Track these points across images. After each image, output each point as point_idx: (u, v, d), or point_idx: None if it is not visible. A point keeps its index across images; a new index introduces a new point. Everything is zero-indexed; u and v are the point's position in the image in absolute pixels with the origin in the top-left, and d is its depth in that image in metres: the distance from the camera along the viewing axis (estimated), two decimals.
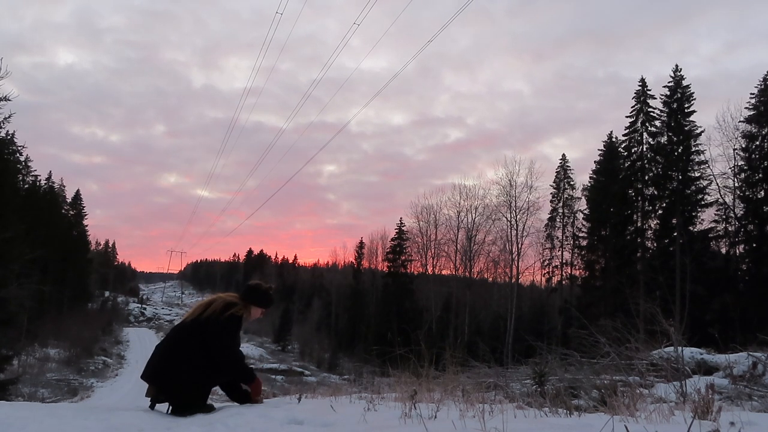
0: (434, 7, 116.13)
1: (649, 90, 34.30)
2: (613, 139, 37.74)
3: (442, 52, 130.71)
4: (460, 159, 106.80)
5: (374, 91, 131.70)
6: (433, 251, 51.40)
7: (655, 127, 33.63)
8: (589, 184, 40.02)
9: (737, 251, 31.28)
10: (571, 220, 45.34)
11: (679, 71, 32.64)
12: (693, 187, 31.53)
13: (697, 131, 31.69)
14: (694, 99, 32.21)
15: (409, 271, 53.15)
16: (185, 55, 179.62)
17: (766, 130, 29.56)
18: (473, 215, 46.43)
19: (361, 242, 62.98)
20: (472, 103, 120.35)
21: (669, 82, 32.78)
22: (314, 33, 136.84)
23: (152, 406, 3.79)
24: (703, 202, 31.59)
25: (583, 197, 42.62)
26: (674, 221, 31.12)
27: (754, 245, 29.57)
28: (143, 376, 3.85)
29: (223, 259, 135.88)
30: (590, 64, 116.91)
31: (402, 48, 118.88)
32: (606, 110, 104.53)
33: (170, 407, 3.75)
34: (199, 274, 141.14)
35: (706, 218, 31.86)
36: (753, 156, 29.85)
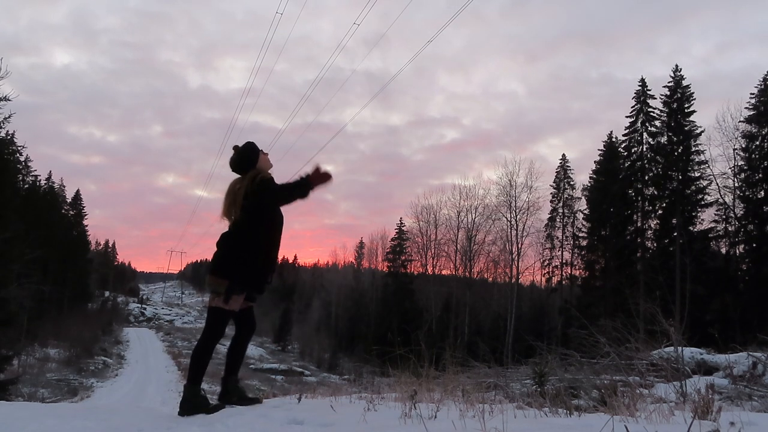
0: (427, 9, 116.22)
1: (649, 90, 34.36)
2: (613, 139, 37.77)
3: (436, 53, 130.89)
4: (457, 159, 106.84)
5: (369, 92, 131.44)
6: (433, 251, 51.46)
7: (655, 127, 33.65)
8: (589, 184, 40.04)
9: (737, 251, 31.28)
10: (571, 220, 45.35)
11: (679, 71, 32.68)
12: (693, 187, 31.53)
13: (697, 131, 31.72)
14: (694, 99, 32.28)
15: (409, 271, 53.17)
16: (181, 56, 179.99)
17: (766, 130, 29.57)
18: (473, 215, 46.51)
19: (361, 242, 63.21)
20: (468, 103, 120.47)
21: (669, 82, 32.83)
22: (308, 34, 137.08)
23: (226, 300, 3.73)
24: (703, 202, 31.59)
25: (583, 197, 42.67)
26: (674, 221, 31.11)
27: (754, 245, 29.57)
28: (212, 272, 3.83)
29: None
30: (583, 65, 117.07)
31: (396, 48, 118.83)
32: (600, 111, 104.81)
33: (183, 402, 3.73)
34: (199, 274, 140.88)
35: (706, 218, 31.90)
36: (753, 156, 29.85)
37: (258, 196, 3.72)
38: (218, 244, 3.91)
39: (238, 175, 3.95)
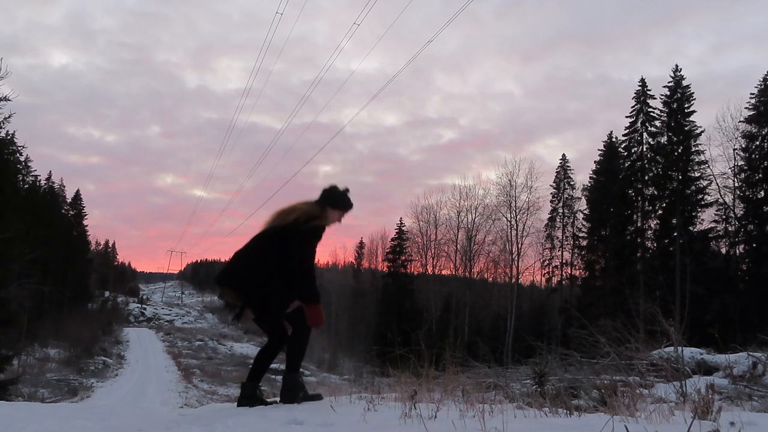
0: (422, 9, 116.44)
1: (649, 90, 34.36)
2: (613, 139, 37.77)
3: (432, 54, 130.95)
4: (455, 159, 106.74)
5: (366, 92, 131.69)
6: (433, 251, 51.45)
7: (655, 127, 33.65)
8: (589, 184, 40.04)
9: (737, 251, 31.29)
10: (571, 220, 45.34)
11: (679, 71, 32.67)
12: (693, 187, 31.51)
13: (697, 131, 31.71)
14: (694, 99, 32.28)
15: (409, 271, 53.13)
16: (178, 56, 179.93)
17: (766, 130, 29.57)
18: (473, 215, 46.47)
19: (361, 242, 63.15)
20: (464, 104, 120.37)
21: (669, 82, 32.82)
22: (305, 35, 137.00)
23: (238, 317, 3.85)
24: (703, 202, 31.58)
25: (582, 197, 42.67)
26: (674, 221, 31.11)
27: (754, 245, 29.56)
28: (219, 281, 3.87)
29: (223, 259, 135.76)
30: (579, 66, 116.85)
31: (392, 49, 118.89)
32: (596, 111, 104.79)
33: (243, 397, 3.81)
34: (199, 274, 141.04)
35: (706, 218, 31.90)
36: (753, 156, 29.85)
37: (296, 235, 3.72)
38: (242, 252, 3.88)
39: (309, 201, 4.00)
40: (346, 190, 4.06)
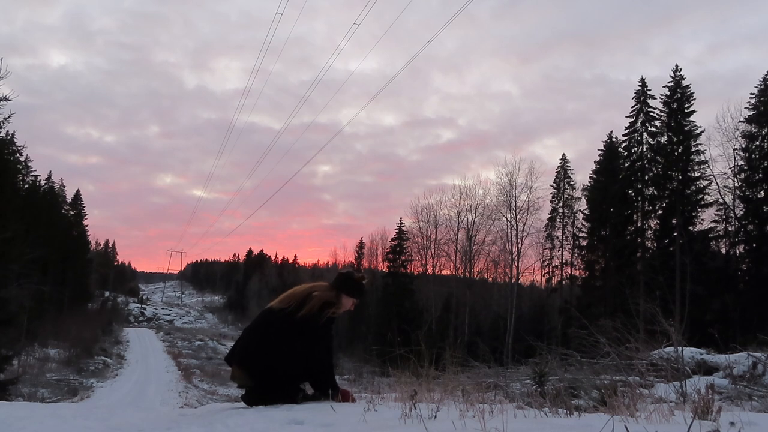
0: (420, 10, 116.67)
1: (649, 90, 34.34)
2: (613, 139, 37.78)
3: (430, 54, 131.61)
4: (453, 159, 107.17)
5: (364, 92, 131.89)
6: (433, 251, 51.45)
7: (655, 127, 33.64)
8: (589, 184, 40.05)
9: (737, 251, 31.28)
10: (571, 220, 45.35)
11: (679, 71, 32.65)
12: (693, 187, 31.50)
13: (697, 131, 31.70)
14: (694, 99, 32.26)
15: (409, 271, 53.13)
16: (176, 56, 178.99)
17: (766, 130, 29.57)
18: (473, 215, 46.48)
19: (361, 242, 63.14)
20: (462, 104, 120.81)
21: (669, 82, 32.80)
22: (302, 35, 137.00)
23: (247, 398, 3.79)
24: (703, 202, 31.56)
25: (583, 197, 42.67)
26: (674, 221, 31.10)
27: (754, 245, 29.56)
28: (229, 360, 3.83)
29: (223, 259, 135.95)
30: (577, 66, 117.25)
31: (390, 49, 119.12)
32: (594, 111, 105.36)
33: (248, 394, 3.77)
34: (199, 274, 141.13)
35: (706, 218, 31.87)
36: (753, 156, 29.85)
37: (312, 329, 3.67)
38: (252, 330, 3.86)
39: (325, 283, 3.98)
40: (362, 278, 4.02)
